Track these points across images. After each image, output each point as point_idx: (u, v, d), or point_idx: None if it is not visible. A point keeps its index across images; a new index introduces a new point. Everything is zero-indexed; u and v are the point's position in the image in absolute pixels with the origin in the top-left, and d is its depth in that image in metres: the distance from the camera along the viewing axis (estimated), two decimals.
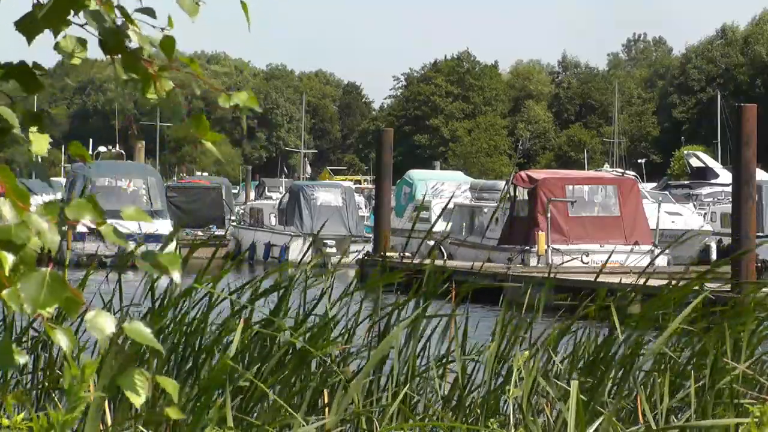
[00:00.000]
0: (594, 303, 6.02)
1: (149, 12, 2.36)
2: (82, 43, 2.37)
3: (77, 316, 2.17)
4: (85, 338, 5.68)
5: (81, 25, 2.32)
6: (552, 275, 6.87)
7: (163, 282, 6.14)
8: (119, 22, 2.35)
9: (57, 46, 2.36)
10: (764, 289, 6.44)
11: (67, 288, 2.16)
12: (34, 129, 2.38)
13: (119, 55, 2.35)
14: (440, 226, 36.59)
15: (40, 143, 2.37)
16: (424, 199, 31.45)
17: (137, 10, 2.36)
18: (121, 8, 2.35)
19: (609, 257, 7.14)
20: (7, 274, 2.13)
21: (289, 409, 4.97)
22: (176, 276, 2.26)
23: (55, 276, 2.15)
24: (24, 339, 5.49)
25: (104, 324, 2.21)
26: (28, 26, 2.33)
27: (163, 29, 2.38)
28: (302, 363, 5.25)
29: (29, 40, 2.34)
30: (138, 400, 2.36)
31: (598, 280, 7.34)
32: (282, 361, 5.30)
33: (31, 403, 2.98)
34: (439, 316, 5.81)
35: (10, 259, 2.14)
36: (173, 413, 2.60)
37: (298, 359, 5.26)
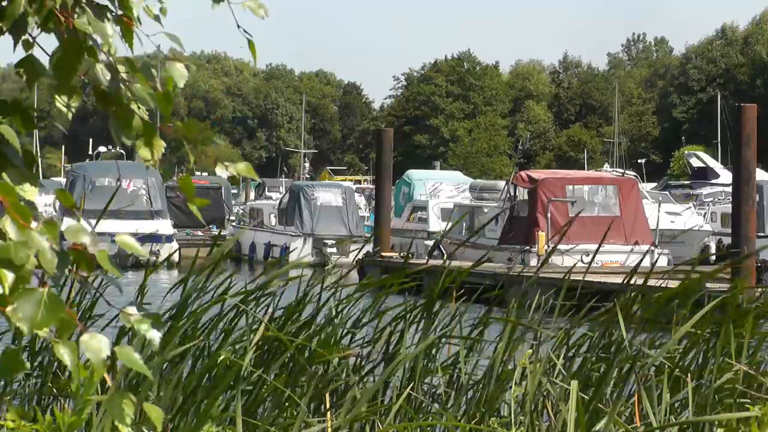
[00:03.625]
0: (594, 303, 6.03)
1: (147, 70, 2.39)
2: (78, 94, 2.40)
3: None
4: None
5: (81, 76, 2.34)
6: (549, 274, 6.92)
7: (162, 279, 6.16)
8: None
9: (53, 99, 2.38)
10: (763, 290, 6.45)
11: (64, 309, 2.19)
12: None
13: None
14: (440, 226, 36.73)
15: (29, 192, 2.38)
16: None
17: (139, 66, 2.39)
18: (130, 61, 2.37)
19: (597, 252, 7.15)
20: (7, 292, 2.15)
21: (300, 402, 4.98)
22: (155, 336, 2.28)
23: (52, 296, 2.19)
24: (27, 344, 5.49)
25: (99, 347, 2.24)
26: (29, 71, 2.35)
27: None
28: (308, 365, 5.26)
29: (30, 84, 2.36)
30: (124, 429, 2.38)
31: (598, 280, 7.36)
32: (287, 363, 5.31)
33: (30, 419, 3.00)
34: (457, 337, 5.80)
35: (9, 277, 2.16)
36: None
37: (304, 362, 5.27)
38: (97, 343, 2.23)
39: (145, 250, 2.38)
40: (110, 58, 2.34)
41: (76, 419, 2.61)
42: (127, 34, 2.37)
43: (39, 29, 2.32)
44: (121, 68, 2.38)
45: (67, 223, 2.29)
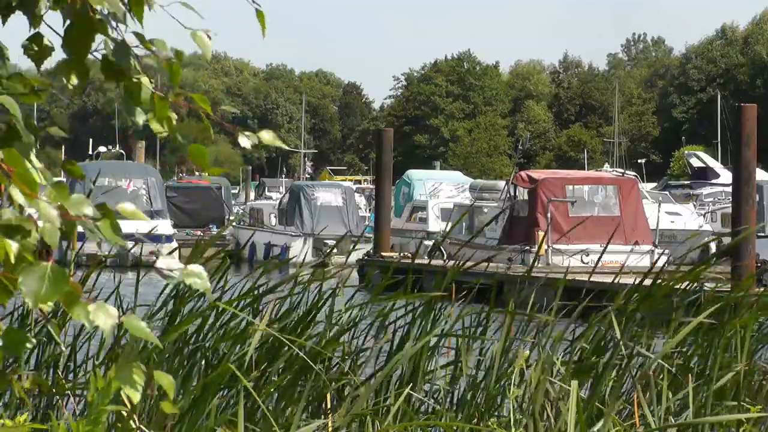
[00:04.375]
0: (594, 303, 6.03)
1: (159, 43, 2.38)
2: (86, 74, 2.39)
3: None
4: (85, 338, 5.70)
5: (91, 52, 2.34)
6: (551, 275, 6.92)
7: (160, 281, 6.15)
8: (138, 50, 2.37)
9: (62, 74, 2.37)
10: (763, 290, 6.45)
11: (68, 282, 2.18)
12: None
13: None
14: (440, 227, 36.70)
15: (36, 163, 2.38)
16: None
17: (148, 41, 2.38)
18: (139, 35, 2.36)
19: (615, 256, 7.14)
20: (13, 261, 2.14)
21: (278, 404, 4.98)
22: (205, 285, 2.30)
23: (56, 270, 2.17)
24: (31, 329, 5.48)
25: (107, 316, 2.24)
26: (37, 49, 2.34)
27: (171, 59, 2.40)
28: (308, 365, 5.26)
29: (38, 64, 2.36)
30: (135, 395, 2.39)
31: (598, 280, 7.36)
32: (288, 363, 5.31)
33: (47, 389, 2.99)
34: (456, 336, 5.80)
35: (14, 247, 2.16)
36: (168, 408, 2.63)
37: (305, 361, 5.27)
38: (105, 312, 2.23)
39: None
40: (120, 34, 2.33)
41: (91, 429, 2.59)
42: (137, 7, 2.36)
43: (47, 7, 2.31)
44: (131, 42, 2.37)
45: None
